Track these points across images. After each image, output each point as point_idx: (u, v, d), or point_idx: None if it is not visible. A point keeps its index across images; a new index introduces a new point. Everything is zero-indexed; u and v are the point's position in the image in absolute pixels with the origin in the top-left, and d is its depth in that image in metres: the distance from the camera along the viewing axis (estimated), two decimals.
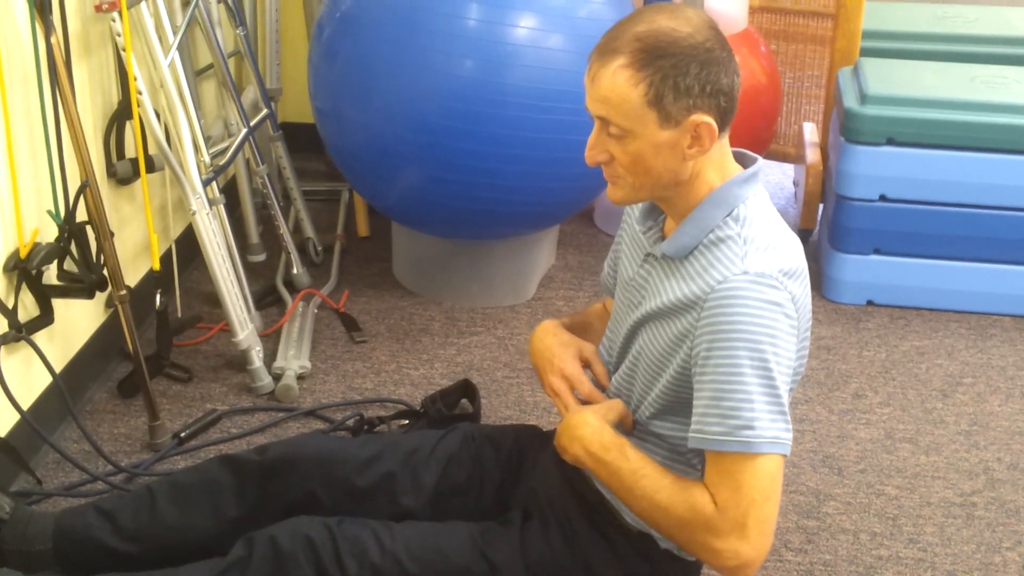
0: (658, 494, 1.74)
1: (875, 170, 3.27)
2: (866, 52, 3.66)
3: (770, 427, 1.65)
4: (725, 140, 1.75)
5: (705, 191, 1.74)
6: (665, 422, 1.82)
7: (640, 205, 1.89)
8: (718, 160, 1.74)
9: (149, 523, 2.06)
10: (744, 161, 1.81)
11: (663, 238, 1.82)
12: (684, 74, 1.64)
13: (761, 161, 1.81)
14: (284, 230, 3.32)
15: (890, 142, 3.24)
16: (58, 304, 2.49)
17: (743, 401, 1.65)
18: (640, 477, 1.75)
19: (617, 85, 1.66)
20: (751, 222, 1.72)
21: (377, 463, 2.07)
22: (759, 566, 1.72)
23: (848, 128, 3.29)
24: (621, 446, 1.79)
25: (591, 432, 1.81)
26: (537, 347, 2.02)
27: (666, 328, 1.76)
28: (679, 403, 1.78)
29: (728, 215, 1.73)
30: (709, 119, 1.67)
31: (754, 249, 1.69)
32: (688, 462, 1.82)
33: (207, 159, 2.78)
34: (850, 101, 3.32)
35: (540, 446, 2.08)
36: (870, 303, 3.40)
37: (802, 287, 1.73)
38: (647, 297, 1.81)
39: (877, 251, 3.36)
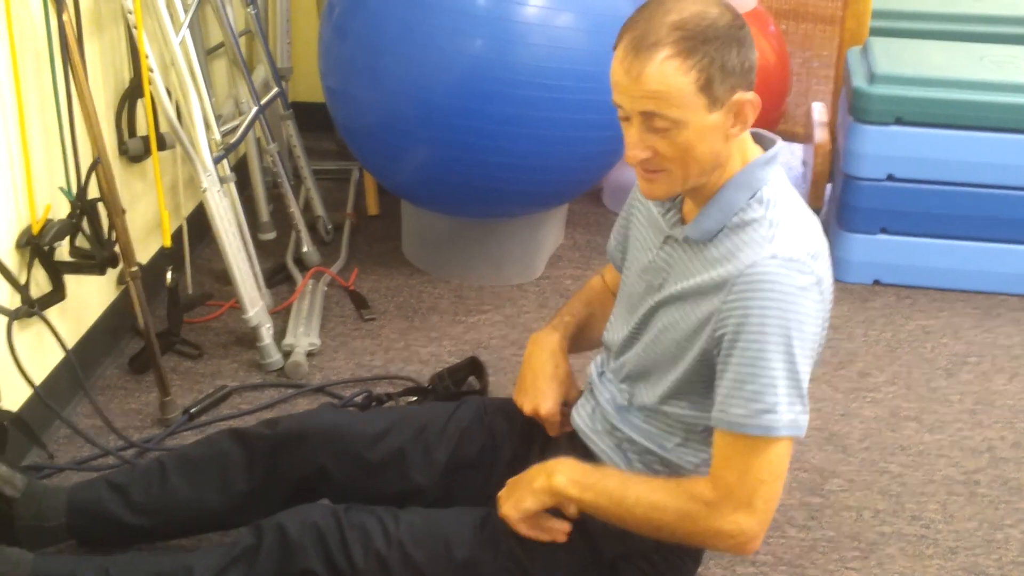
0: (652, 495, 1.77)
1: (883, 150, 3.28)
2: (875, 32, 3.66)
3: (788, 410, 1.68)
4: None
5: (727, 174, 1.75)
6: (680, 402, 1.84)
7: None
8: (740, 141, 1.75)
9: (160, 497, 2.08)
10: (762, 141, 1.81)
11: (682, 220, 1.83)
12: (728, 57, 1.65)
13: (780, 142, 1.82)
14: (294, 208, 3.34)
15: (898, 122, 3.25)
16: (70, 280, 2.51)
17: (767, 386, 1.67)
18: (629, 486, 1.79)
19: (667, 76, 1.64)
20: (775, 204, 1.74)
21: (388, 438, 2.08)
22: (761, 541, 1.75)
23: (856, 108, 3.29)
24: (599, 466, 1.85)
25: (568, 465, 1.84)
26: (531, 360, 2.06)
27: (690, 311, 1.76)
28: (697, 384, 1.80)
29: (752, 197, 1.74)
30: (752, 95, 1.69)
31: (782, 232, 1.70)
32: (704, 441, 1.84)
33: (218, 137, 2.79)
34: (859, 81, 3.32)
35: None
36: (877, 282, 3.41)
37: (827, 267, 1.75)
38: (669, 280, 1.82)
39: (884, 231, 3.36)
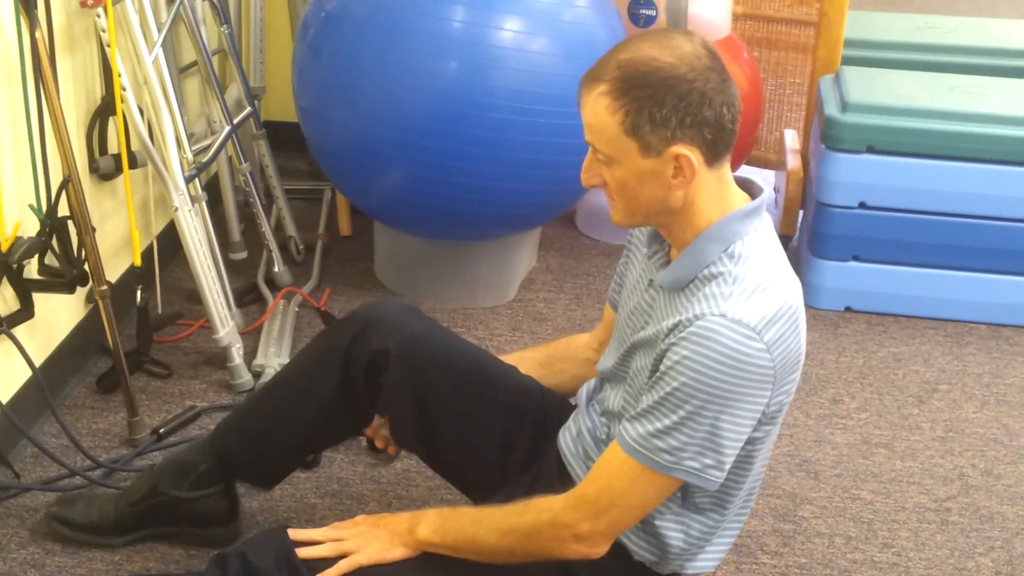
0: (502, 521, 1.81)
1: (855, 177, 3.29)
2: (847, 60, 3.68)
3: (694, 460, 1.68)
4: (724, 170, 1.72)
5: (703, 224, 1.71)
6: None
7: (646, 229, 1.88)
8: (715, 192, 1.71)
9: (275, 416, 2.16)
10: (751, 189, 1.78)
11: (668, 264, 1.81)
12: (660, 105, 1.62)
13: (766, 192, 1.79)
14: (266, 228, 3.32)
15: (870, 150, 3.27)
16: (38, 298, 2.48)
17: (674, 432, 1.66)
18: (480, 520, 1.84)
19: (598, 112, 1.66)
20: (746, 260, 1.69)
21: (453, 356, 2.11)
22: (609, 544, 1.78)
23: (829, 135, 3.31)
24: (457, 508, 1.90)
25: (430, 515, 1.88)
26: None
27: (651, 357, 1.75)
28: None
29: (724, 251, 1.70)
30: (688, 152, 1.64)
31: (741, 291, 1.66)
32: (675, 496, 1.81)
33: (190, 156, 2.78)
34: (831, 109, 3.34)
35: (560, 422, 2.08)
36: (848, 309, 3.42)
37: (787, 329, 1.68)
38: (649, 324, 1.80)
39: (856, 258, 3.38)
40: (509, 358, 2.20)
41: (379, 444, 2.20)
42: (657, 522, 1.82)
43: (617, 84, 1.64)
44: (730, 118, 1.67)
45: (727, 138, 1.68)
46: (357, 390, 2.09)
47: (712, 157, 1.68)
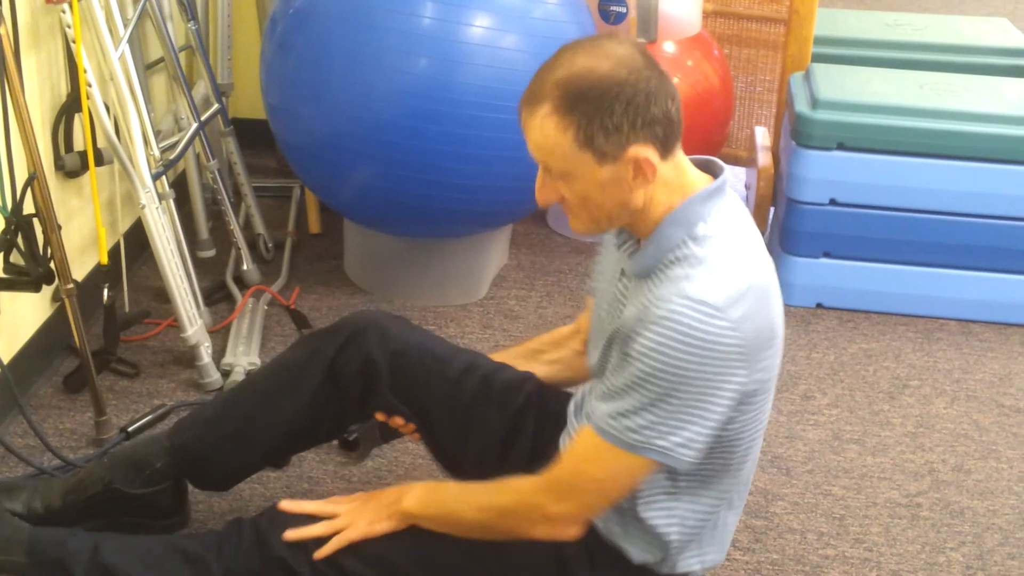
0: (480, 497, 1.84)
1: (825, 174, 3.30)
2: (818, 58, 3.69)
3: (664, 438, 1.66)
4: (678, 158, 1.72)
5: (663, 212, 1.71)
6: None
7: None
8: (674, 180, 1.71)
9: (244, 419, 2.15)
10: (712, 169, 1.78)
11: (637, 252, 1.80)
12: (610, 113, 1.62)
13: (727, 173, 1.78)
14: (234, 226, 3.30)
15: (840, 147, 3.27)
16: (4, 297, 2.46)
17: (643, 411, 1.66)
18: (462, 495, 1.88)
19: (547, 133, 1.65)
20: (709, 241, 1.69)
21: (442, 358, 2.12)
22: (584, 527, 1.78)
23: (799, 132, 3.31)
24: (443, 482, 1.96)
25: (417, 487, 1.92)
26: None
27: (623, 345, 1.74)
28: None
29: (688, 234, 1.70)
30: (646, 151, 1.65)
31: (704, 271, 1.65)
32: (666, 491, 1.81)
33: (157, 153, 2.76)
34: (801, 106, 3.34)
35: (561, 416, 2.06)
36: (819, 306, 3.42)
37: (755, 305, 1.67)
38: (624, 312, 1.79)
39: (827, 254, 3.38)
40: (496, 357, 2.20)
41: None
42: (645, 514, 1.80)
43: (561, 102, 1.63)
44: (675, 109, 1.68)
45: (676, 129, 1.69)
46: (342, 401, 2.11)
47: (665, 151, 1.69)
